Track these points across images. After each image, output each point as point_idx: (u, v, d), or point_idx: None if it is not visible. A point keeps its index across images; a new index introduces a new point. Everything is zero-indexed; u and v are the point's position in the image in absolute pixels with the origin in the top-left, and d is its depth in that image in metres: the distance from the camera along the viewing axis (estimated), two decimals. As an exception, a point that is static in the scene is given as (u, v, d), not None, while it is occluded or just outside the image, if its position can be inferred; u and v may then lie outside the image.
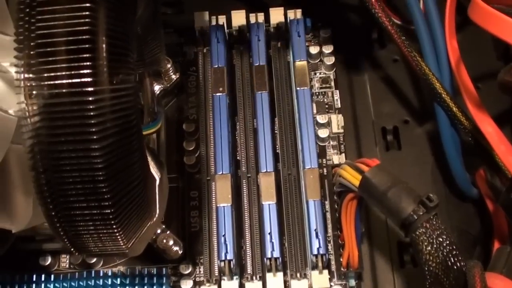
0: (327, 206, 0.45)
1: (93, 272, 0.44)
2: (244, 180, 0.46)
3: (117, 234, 0.30)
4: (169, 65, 0.48)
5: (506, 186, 0.40)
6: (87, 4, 0.26)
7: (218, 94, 0.46)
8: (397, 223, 0.35)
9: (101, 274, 0.44)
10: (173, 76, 0.48)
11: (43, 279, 0.44)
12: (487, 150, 0.42)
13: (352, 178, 0.38)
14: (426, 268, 0.34)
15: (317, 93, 0.50)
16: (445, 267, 0.34)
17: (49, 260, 0.46)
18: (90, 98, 0.26)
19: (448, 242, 0.34)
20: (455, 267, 0.34)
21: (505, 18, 0.34)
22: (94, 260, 0.45)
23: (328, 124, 0.48)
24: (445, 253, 0.34)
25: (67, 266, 0.46)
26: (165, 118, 0.48)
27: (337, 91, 0.50)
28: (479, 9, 0.35)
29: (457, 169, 0.45)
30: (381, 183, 0.36)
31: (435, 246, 0.34)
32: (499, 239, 0.43)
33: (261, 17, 0.50)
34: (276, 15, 0.50)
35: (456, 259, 0.34)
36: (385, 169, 0.37)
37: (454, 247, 0.34)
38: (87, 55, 0.26)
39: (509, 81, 0.40)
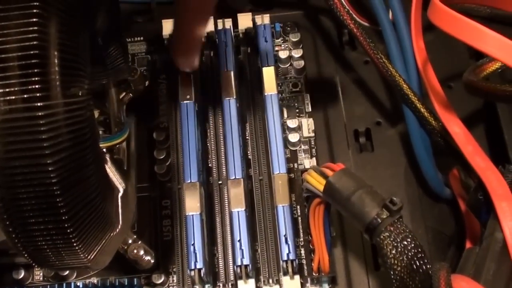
0: (298, 211, 0.45)
1: (64, 284, 0.44)
2: (216, 188, 0.46)
3: (76, 248, 0.30)
4: (136, 74, 0.47)
5: (474, 186, 0.40)
6: (35, 19, 0.26)
7: (185, 101, 0.46)
8: (362, 227, 0.35)
9: (73, 287, 0.43)
10: (141, 86, 0.48)
11: (17, 293, 0.44)
12: (457, 150, 0.42)
13: (317, 183, 0.37)
14: (392, 272, 0.34)
15: (288, 98, 0.50)
16: (410, 271, 0.34)
17: (22, 274, 0.45)
18: (41, 113, 0.26)
19: (413, 245, 0.34)
20: (421, 270, 0.34)
21: (464, 20, 0.34)
22: (67, 272, 0.45)
23: (298, 129, 0.48)
24: (409, 257, 0.34)
25: (41, 279, 0.46)
26: (135, 127, 0.48)
27: (307, 95, 0.50)
28: (438, 10, 0.35)
29: (428, 170, 0.45)
30: (344, 188, 0.36)
31: (399, 249, 0.34)
32: (471, 240, 0.43)
33: (228, 23, 0.50)
34: (244, 20, 0.50)
35: (421, 262, 0.34)
36: (350, 173, 0.37)
37: (420, 250, 0.34)
38: (38, 70, 0.26)
39: (473, 81, 0.39)
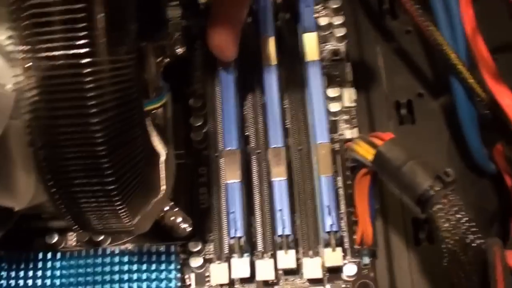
0: (340, 182, 0.44)
1: (100, 250, 0.43)
2: (254, 156, 0.45)
3: (121, 211, 0.29)
4: (173, 39, 0.46)
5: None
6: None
7: (224, 68, 0.45)
8: (413, 199, 0.34)
9: (109, 252, 0.43)
10: (178, 50, 0.47)
11: (50, 257, 0.43)
12: (505, 123, 0.41)
13: (366, 152, 0.36)
14: (444, 246, 0.33)
15: (328, 66, 0.48)
16: (463, 245, 0.32)
17: (55, 238, 0.45)
18: (88, 70, 0.25)
19: (466, 218, 0.33)
20: (474, 245, 0.33)
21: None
22: (102, 237, 0.45)
23: (339, 98, 0.46)
24: (463, 230, 0.32)
25: (74, 244, 0.45)
26: (171, 93, 0.47)
27: (349, 63, 0.49)
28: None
29: (474, 143, 0.44)
30: (395, 158, 0.35)
31: (452, 223, 0.32)
32: (518, 216, 0.42)
33: (267, -13, 0.48)
34: (283, -16, 0.49)
35: (474, 236, 0.33)
36: (400, 143, 0.36)
37: (473, 224, 0.33)
38: (84, 25, 0.25)
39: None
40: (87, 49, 0.25)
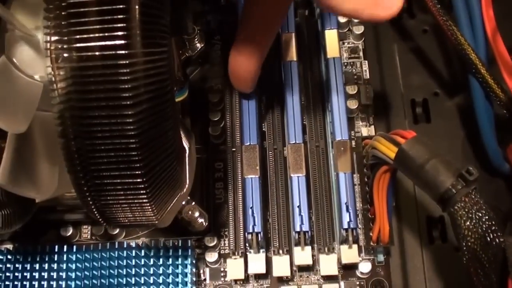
0: (356, 179, 0.44)
1: (116, 243, 0.43)
2: (271, 152, 0.45)
3: (148, 205, 0.29)
4: (194, 33, 0.46)
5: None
6: (121, -36, 0.25)
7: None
8: (435, 197, 0.34)
9: (125, 246, 0.43)
10: (198, 45, 0.47)
11: (64, 249, 0.43)
12: (522, 124, 0.41)
13: (387, 150, 0.36)
14: (464, 244, 0.33)
15: (346, 64, 0.49)
16: (483, 243, 0.33)
17: (70, 231, 0.45)
18: (124, 62, 0.25)
19: (487, 217, 0.33)
20: (494, 243, 0.33)
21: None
22: (117, 231, 0.45)
23: (357, 95, 0.46)
24: (484, 229, 0.33)
25: (88, 237, 0.46)
26: (190, 88, 0.47)
27: (366, 61, 0.49)
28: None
29: (490, 144, 0.44)
30: (418, 156, 0.35)
31: (474, 221, 0.33)
32: (532, 216, 0.42)
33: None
34: (304, -18, 0.49)
35: (495, 235, 0.33)
36: (422, 141, 0.36)
37: (494, 222, 0.33)
38: (120, 17, 0.25)
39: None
40: (123, 41, 0.25)
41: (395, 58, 0.50)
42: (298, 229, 0.41)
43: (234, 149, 0.45)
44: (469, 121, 0.46)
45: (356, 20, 0.49)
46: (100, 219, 0.31)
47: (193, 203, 0.43)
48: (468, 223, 0.33)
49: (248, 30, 0.39)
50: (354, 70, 0.48)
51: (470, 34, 0.43)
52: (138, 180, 0.27)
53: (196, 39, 0.47)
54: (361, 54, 0.49)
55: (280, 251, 0.42)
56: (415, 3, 0.51)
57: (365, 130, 0.46)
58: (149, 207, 0.29)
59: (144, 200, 0.29)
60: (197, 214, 0.42)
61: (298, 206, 0.41)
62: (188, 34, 0.45)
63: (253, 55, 0.40)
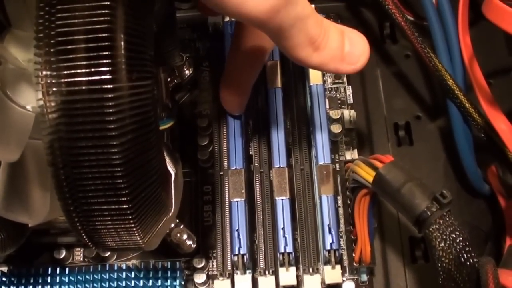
0: (340, 201, 0.45)
1: (107, 265, 0.44)
2: (257, 175, 0.46)
3: (134, 229, 0.30)
4: (183, 61, 0.48)
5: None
6: (107, 3, 0.26)
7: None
8: (411, 219, 0.36)
9: (115, 268, 0.44)
10: (187, 72, 0.48)
11: (57, 272, 0.44)
12: (499, 147, 0.42)
13: (366, 174, 0.38)
14: (439, 264, 0.34)
15: (330, 89, 0.50)
16: (458, 263, 0.34)
17: (63, 254, 0.46)
18: (109, 95, 0.26)
19: (461, 238, 0.34)
20: (468, 264, 0.34)
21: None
22: (108, 253, 0.46)
23: (340, 120, 0.48)
24: (458, 250, 0.34)
25: (81, 259, 0.47)
26: (179, 113, 0.48)
27: (350, 86, 0.50)
28: (494, 6, 0.35)
29: (469, 165, 0.45)
30: (395, 180, 0.36)
31: (448, 242, 0.34)
32: (511, 236, 0.43)
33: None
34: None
35: (469, 255, 0.34)
36: (399, 165, 0.37)
37: (467, 243, 0.34)
38: (106, 53, 0.26)
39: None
40: (109, 76, 0.26)
41: (378, 83, 0.51)
42: (282, 250, 0.42)
43: (221, 173, 0.46)
44: (450, 143, 0.47)
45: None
46: (89, 243, 0.32)
47: (182, 226, 0.44)
48: (442, 244, 0.34)
49: (234, 67, 0.43)
50: (338, 95, 0.50)
51: (447, 60, 0.45)
52: (124, 206, 0.29)
53: (184, 66, 0.48)
54: (345, 79, 0.51)
55: (266, 272, 0.43)
56: (398, 29, 0.53)
57: (348, 153, 0.48)
58: (135, 232, 0.30)
59: (130, 225, 0.30)
60: (185, 236, 0.43)
61: (282, 228, 0.42)
62: (176, 62, 0.47)
63: (240, 86, 0.43)
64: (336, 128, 0.47)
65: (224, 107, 0.46)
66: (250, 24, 0.32)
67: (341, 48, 0.35)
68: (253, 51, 0.40)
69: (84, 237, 0.31)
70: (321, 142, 0.45)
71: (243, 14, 0.30)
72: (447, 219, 0.35)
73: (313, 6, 0.49)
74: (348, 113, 0.48)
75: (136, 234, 0.31)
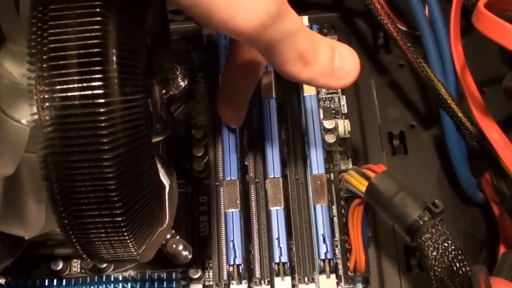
0: (334, 211, 0.46)
1: (104, 276, 0.45)
2: (252, 186, 0.47)
3: (128, 241, 0.30)
4: (177, 73, 0.48)
5: (511, 191, 0.41)
6: (98, 18, 0.27)
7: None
8: (403, 228, 0.36)
9: (112, 279, 0.44)
10: (182, 83, 0.49)
11: (55, 283, 0.45)
12: (492, 155, 0.43)
13: (359, 184, 0.38)
14: (432, 273, 0.34)
15: (324, 99, 0.51)
16: (450, 272, 0.34)
17: (60, 265, 0.46)
18: (102, 110, 0.27)
19: (453, 247, 0.34)
20: (461, 272, 0.34)
21: (509, 27, 0.35)
22: (105, 264, 0.46)
23: (335, 130, 0.48)
24: (450, 258, 0.34)
25: (78, 270, 0.47)
26: (174, 124, 0.48)
27: (344, 96, 0.51)
28: (483, 17, 0.36)
29: (463, 174, 0.46)
30: (387, 189, 0.36)
31: (440, 251, 0.34)
32: (505, 244, 0.44)
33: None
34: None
35: (461, 264, 0.34)
36: (392, 175, 0.38)
37: (460, 252, 0.34)
38: (98, 68, 0.27)
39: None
40: (101, 90, 0.26)
41: (372, 92, 0.52)
42: (277, 260, 0.42)
43: (217, 184, 0.46)
44: (444, 152, 0.48)
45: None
46: (84, 255, 0.32)
47: (178, 236, 0.44)
48: (435, 253, 0.34)
49: (230, 82, 0.43)
50: (332, 105, 0.50)
51: (440, 69, 0.45)
52: (118, 219, 0.29)
53: (179, 78, 0.49)
54: (339, 89, 0.51)
55: (262, 282, 0.44)
56: (391, 39, 0.53)
57: (343, 163, 0.48)
58: (129, 244, 0.31)
59: (124, 238, 0.30)
60: (181, 247, 0.44)
61: (277, 238, 0.43)
62: (171, 74, 0.47)
63: (236, 100, 0.44)
64: (331, 138, 0.48)
65: (222, 120, 0.46)
66: (239, 39, 0.32)
67: (331, 63, 0.35)
68: (247, 65, 0.41)
69: (79, 249, 0.31)
70: (315, 152, 0.45)
71: (231, 29, 0.30)
72: (439, 228, 0.35)
73: (306, 16, 0.50)
74: (342, 123, 0.48)
75: (130, 246, 0.31)
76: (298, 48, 0.33)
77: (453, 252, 0.34)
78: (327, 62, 0.35)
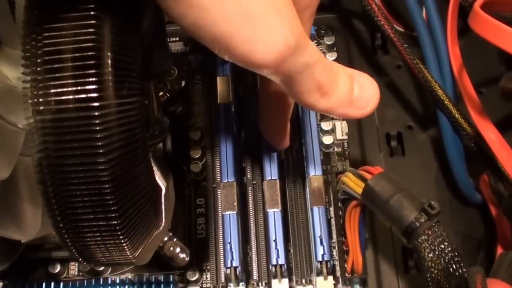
0: (332, 212, 0.46)
1: (101, 279, 0.45)
2: (250, 187, 0.47)
3: (124, 244, 0.30)
4: (174, 75, 0.48)
5: (508, 192, 0.41)
6: (92, 21, 0.27)
7: (223, 103, 0.47)
8: (400, 230, 0.36)
9: (109, 282, 0.44)
10: (178, 86, 0.49)
11: (52, 286, 0.45)
12: (489, 156, 0.43)
13: (355, 186, 0.38)
14: (428, 275, 0.34)
15: (322, 100, 0.50)
16: (447, 274, 0.34)
17: (58, 268, 0.46)
18: (96, 113, 0.27)
19: (450, 248, 0.34)
20: (457, 274, 0.34)
21: (505, 28, 0.35)
22: (102, 267, 0.46)
23: (332, 131, 0.48)
24: (447, 260, 0.34)
25: (76, 273, 0.47)
26: (171, 126, 0.48)
27: (341, 97, 0.51)
28: (479, 18, 0.36)
29: (460, 175, 0.46)
30: (383, 191, 0.36)
31: (437, 253, 0.34)
32: (502, 245, 0.44)
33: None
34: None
35: (458, 265, 0.34)
36: (388, 177, 0.38)
37: (456, 253, 0.34)
38: (93, 71, 0.26)
39: (510, 88, 0.40)
40: (96, 94, 0.26)
41: (370, 93, 0.52)
42: (274, 262, 0.42)
43: (214, 186, 0.46)
44: (442, 153, 0.47)
45: (331, 58, 0.51)
46: (80, 259, 0.32)
47: (175, 239, 0.44)
48: (431, 255, 0.34)
49: (265, 109, 0.43)
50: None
51: (437, 71, 0.45)
52: (113, 222, 0.29)
53: (177, 80, 0.49)
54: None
55: (260, 284, 0.44)
56: (389, 40, 0.53)
57: (340, 164, 0.48)
58: (125, 247, 0.31)
59: (120, 241, 0.30)
60: (178, 250, 0.44)
61: (274, 240, 0.43)
62: (168, 76, 0.47)
63: (274, 126, 0.44)
64: (328, 140, 0.48)
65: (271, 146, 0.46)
66: (257, 72, 0.32)
67: (350, 93, 0.34)
68: (278, 94, 0.40)
69: (75, 253, 0.31)
70: (313, 153, 0.45)
71: (250, 62, 0.30)
72: (436, 229, 0.35)
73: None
74: (340, 124, 0.49)
75: (126, 249, 0.31)
76: (316, 79, 0.32)
77: (450, 254, 0.34)
78: (346, 92, 0.34)
